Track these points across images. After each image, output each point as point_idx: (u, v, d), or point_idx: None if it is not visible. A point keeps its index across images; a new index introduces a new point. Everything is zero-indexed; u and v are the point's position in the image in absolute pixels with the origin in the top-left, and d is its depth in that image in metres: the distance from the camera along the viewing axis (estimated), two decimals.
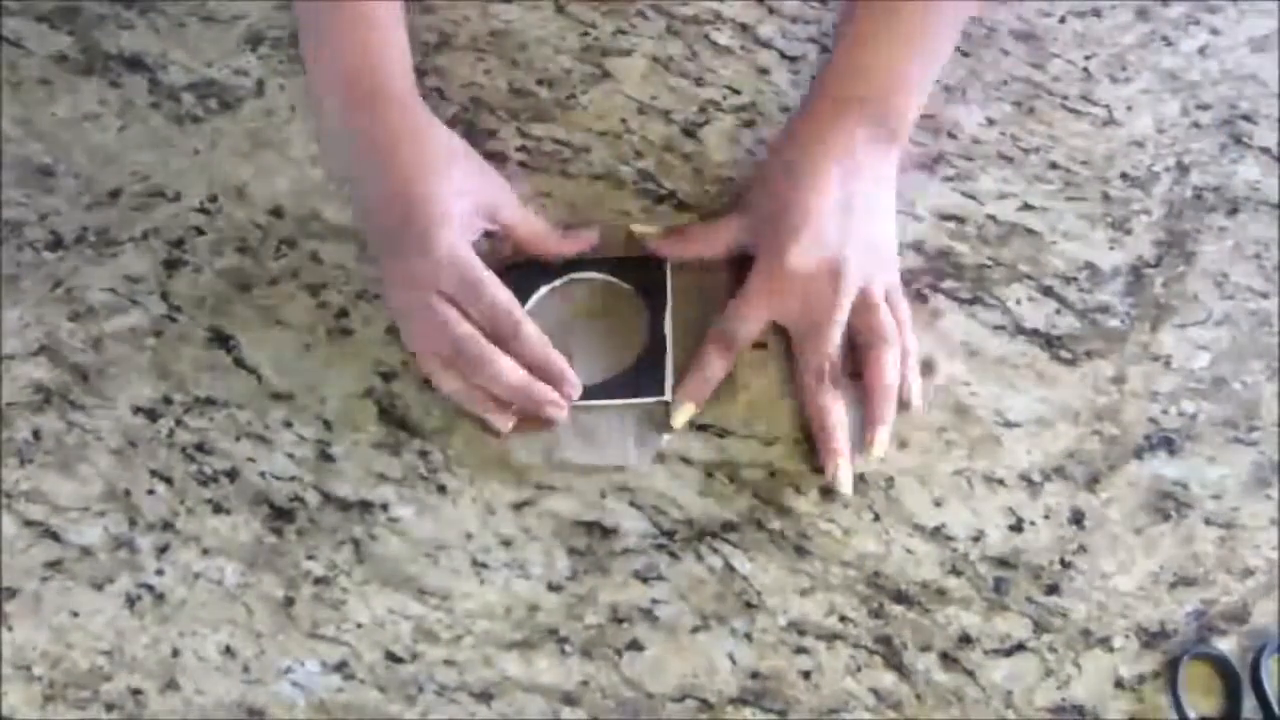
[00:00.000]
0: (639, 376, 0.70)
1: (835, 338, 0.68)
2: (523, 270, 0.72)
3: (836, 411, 0.67)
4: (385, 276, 0.69)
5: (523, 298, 0.70)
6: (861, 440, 0.67)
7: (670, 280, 0.72)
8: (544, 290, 0.72)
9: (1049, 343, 0.72)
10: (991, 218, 0.75)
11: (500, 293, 0.66)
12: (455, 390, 0.67)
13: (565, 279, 0.73)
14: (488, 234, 0.71)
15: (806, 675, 0.63)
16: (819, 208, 0.68)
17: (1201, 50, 0.82)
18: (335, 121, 0.71)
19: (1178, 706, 0.62)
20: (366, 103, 0.70)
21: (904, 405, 0.69)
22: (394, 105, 0.70)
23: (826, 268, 0.68)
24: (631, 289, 0.73)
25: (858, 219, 0.69)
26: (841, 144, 0.70)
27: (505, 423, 0.68)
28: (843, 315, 0.68)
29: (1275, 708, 0.61)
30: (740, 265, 0.71)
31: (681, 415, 0.68)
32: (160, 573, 0.66)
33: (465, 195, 0.68)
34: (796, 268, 0.68)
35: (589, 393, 0.68)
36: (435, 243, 0.66)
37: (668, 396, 0.69)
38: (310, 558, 0.66)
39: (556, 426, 0.68)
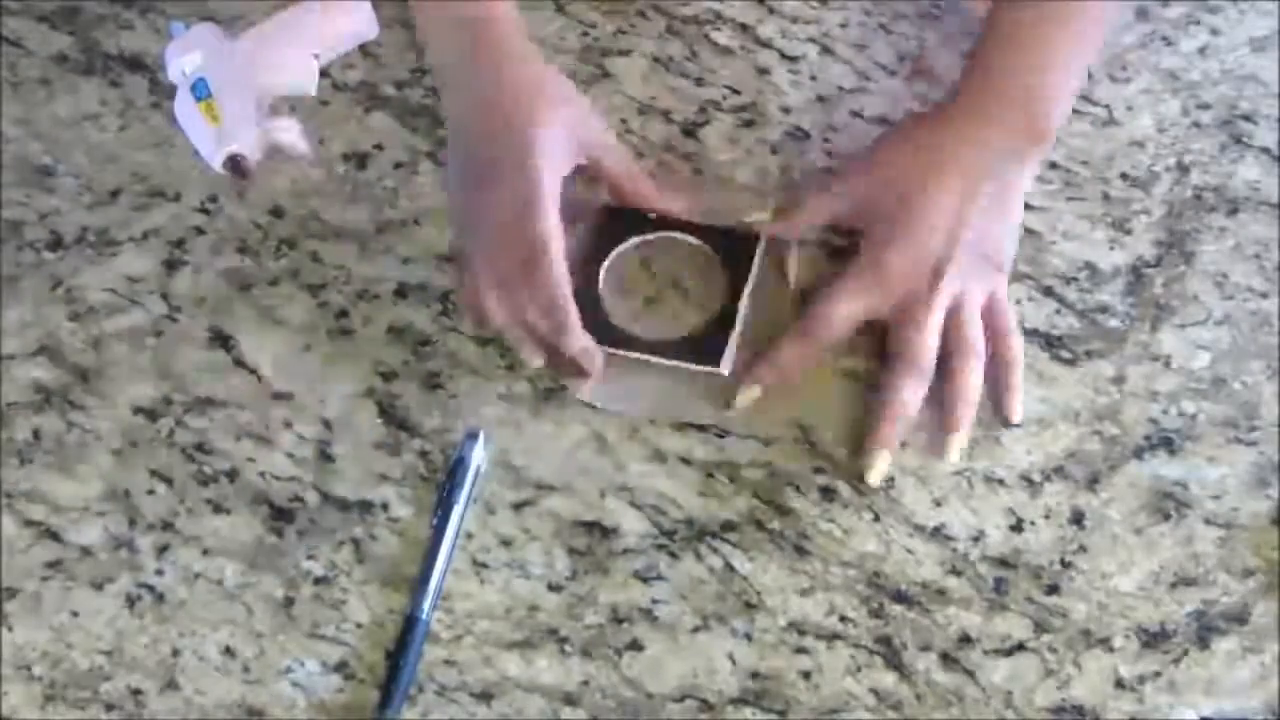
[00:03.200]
0: (702, 344, 0.70)
1: (927, 338, 0.67)
2: (616, 216, 0.73)
3: (905, 403, 0.67)
4: (465, 207, 0.70)
5: (612, 244, 0.72)
6: (929, 441, 0.68)
7: (758, 258, 0.72)
8: (634, 241, 0.73)
9: (1049, 343, 0.72)
10: None
11: (561, 286, 0.66)
12: (502, 321, 0.68)
13: (657, 235, 0.73)
14: (584, 177, 0.71)
15: (806, 675, 0.63)
16: (934, 207, 0.68)
17: (1201, 50, 0.82)
18: (443, 46, 0.72)
19: None
20: (466, 29, 0.70)
21: (1005, 420, 0.69)
22: (498, 31, 0.70)
23: (926, 270, 0.67)
24: (719, 258, 0.73)
25: (972, 223, 0.68)
26: (977, 143, 0.69)
27: (537, 358, 0.68)
28: (934, 319, 0.67)
29: None
30: (835, 255, 0.72)
31: (745, 397, 0.68)
32: (160, 573, 0.66)
33: (565, 127, 0.69)
34: (895, 268, 0.67)
35: (649, 347, 0.69)
36: (520, 189, 0.66)
37: (724, 370, 0.69)
38: (310, 558, 0.66)
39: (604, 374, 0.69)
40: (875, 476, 0.67)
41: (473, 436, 0.67)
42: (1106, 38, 0.73)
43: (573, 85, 0.72)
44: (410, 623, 0.63)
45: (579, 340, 0.67)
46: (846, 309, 0.68)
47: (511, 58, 0.70)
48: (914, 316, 0.67)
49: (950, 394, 0.68)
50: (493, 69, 0.70)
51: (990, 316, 0.69)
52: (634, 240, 0.73)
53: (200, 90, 0.75)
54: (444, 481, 0.66)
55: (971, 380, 0.68)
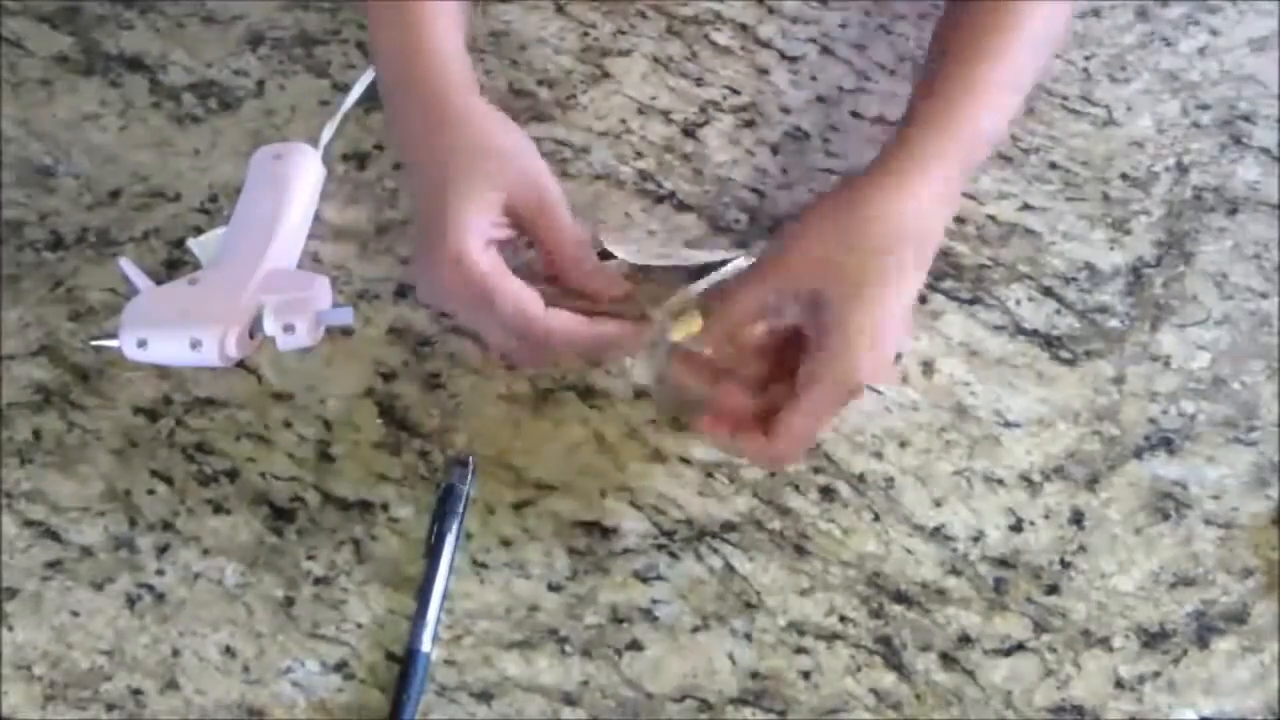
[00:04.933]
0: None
1: (817, 426, 0.61)
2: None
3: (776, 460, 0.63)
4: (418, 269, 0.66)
5: None
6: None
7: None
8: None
9: (1049, 343, 0.72)
10: (991, 218, 0.75)
11: (511, 305, 0.61)
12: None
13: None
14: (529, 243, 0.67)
15: (806, 675, 0.63)
16: (893, 314, 0.61)
17: (1201, 50, 0.82)
18: (387, 111, 0.68)
19: None
20: (399, 89, 0.67)
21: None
22: (420, 92, 0.66)
23: (885, 369, 0.61)
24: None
25: (906, 308, 0.62)
26: (919, 213, 0.62)
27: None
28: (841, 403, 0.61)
29: None
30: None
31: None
32: (160, 573, 0.66)
33: (489, 194, 0.63)
34: (864, 379, 0.60)
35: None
36: (443, 252, 0.61)
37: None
38: (310, 558, 0.66)
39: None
40: (699, 430, 0.62)
41: (462, 464, 0.67)
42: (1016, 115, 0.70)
43: (506, 135, 0.66)
44: (410, 656, 0.63)
45: (562, 335, 0.62)
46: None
47: (434, 100, 0.65)
48: (845, 400, 0.61)
49: (774, 427, 0.61)
50: (417, 113, 0.66)
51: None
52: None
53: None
54: (435, 510, 0.66)
55: (799, 437, 0.61)
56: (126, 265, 0.70)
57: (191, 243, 0.73)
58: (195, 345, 0.66)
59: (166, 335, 0.66)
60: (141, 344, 0.66)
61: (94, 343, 0.70)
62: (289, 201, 0.72)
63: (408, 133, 0.66)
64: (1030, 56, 0.67)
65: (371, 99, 0.80)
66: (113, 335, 0.68)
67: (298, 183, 0.73)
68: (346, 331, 0.72)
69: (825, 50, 0.81)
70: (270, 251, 0.69)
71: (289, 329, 0.67)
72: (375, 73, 0.72)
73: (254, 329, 0.67)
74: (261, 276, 0.68)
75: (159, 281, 0.69)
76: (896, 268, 0.60)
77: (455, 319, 0.70)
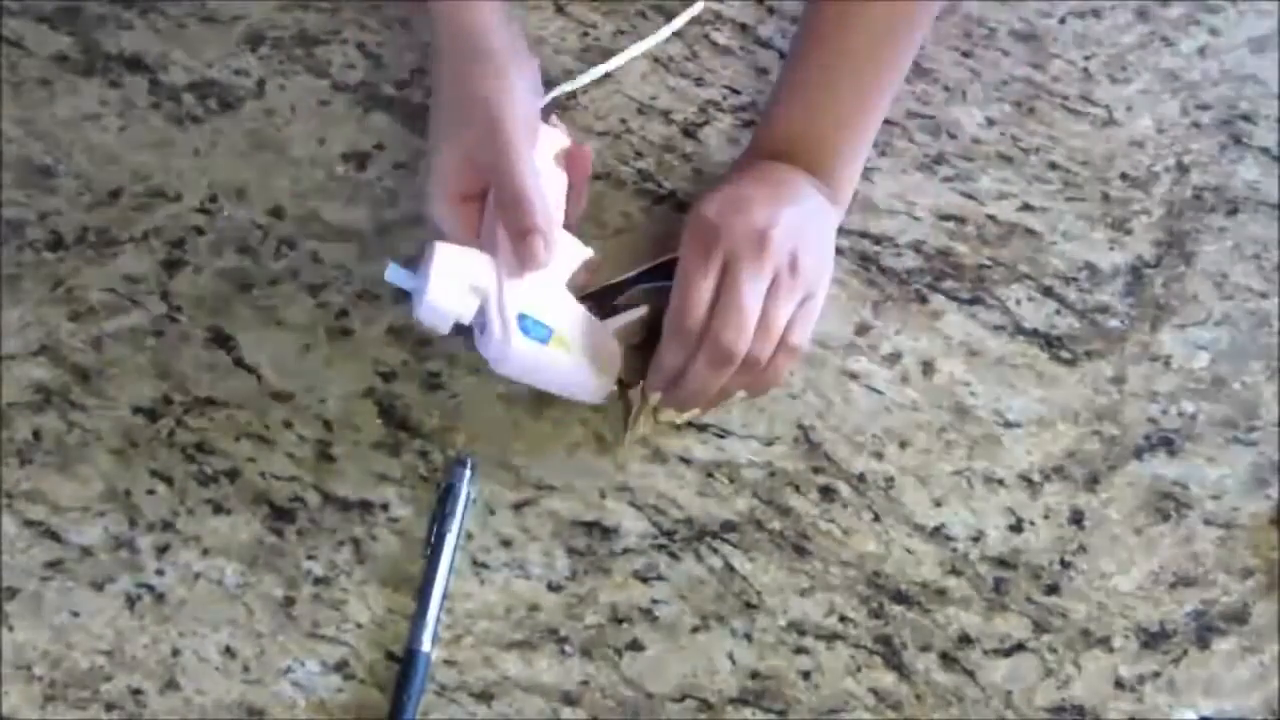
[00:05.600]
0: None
1: (747, 310, 0.62)
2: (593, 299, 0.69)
3: (703, 391, 0.64)
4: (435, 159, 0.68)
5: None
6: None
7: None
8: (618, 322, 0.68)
9: (1049, 343, 0.72)
10: (991, 218, 0.75)
11: (521, 163, 0.64)
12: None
13: (632, 305, 0.69)
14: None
15: (806, 675, 0.63)
16: (751, 190, 0.65)
17: (1201, 50, 0.82)
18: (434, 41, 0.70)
19: None
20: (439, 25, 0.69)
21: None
22: (445, 31, 0.69)
23: (753, 230, 0.63)
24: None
25: (788, 225, 0.64)
26: (786, 180, 0.67)
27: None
28: (753, 287, 0.62)
29: None
30: None
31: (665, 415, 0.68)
32: (160, 573, 0.66)
33: (463, 151, 0.66)
34: (712, 218, 0.63)
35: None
36: (426, 197, 0.67)
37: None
38: (310, 558, 0.66)
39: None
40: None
41: (461, 464, 0.67)
42: (900, 83, 0.72)
43: (501, 97, 0.66)
44: (410, 656, 0.63)
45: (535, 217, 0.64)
46: (695, 290, 0.63)
47: (461, 54, 0.68)
48: (738, 277, 0.62)
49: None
50: (450, 59, 0.68)
51: (785, 329, 0.64)
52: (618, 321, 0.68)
53: (534, 331, 0.64)
54: (435, 510, 0.66)
55: (710, 381, 0.63)
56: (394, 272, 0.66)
57: (391, 274, 0.66)
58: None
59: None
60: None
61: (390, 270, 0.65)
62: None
63: (438, 57, 0.69)
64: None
65: (372, 97, 0.80)
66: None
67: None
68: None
69: None
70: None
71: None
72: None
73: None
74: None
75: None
76: (753, 197, 0.65)
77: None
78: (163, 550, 0.67)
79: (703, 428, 0.69)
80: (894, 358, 0.71)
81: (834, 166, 0.69)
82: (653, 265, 0.70)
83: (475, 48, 0.68)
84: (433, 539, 0.65)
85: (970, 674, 0.63)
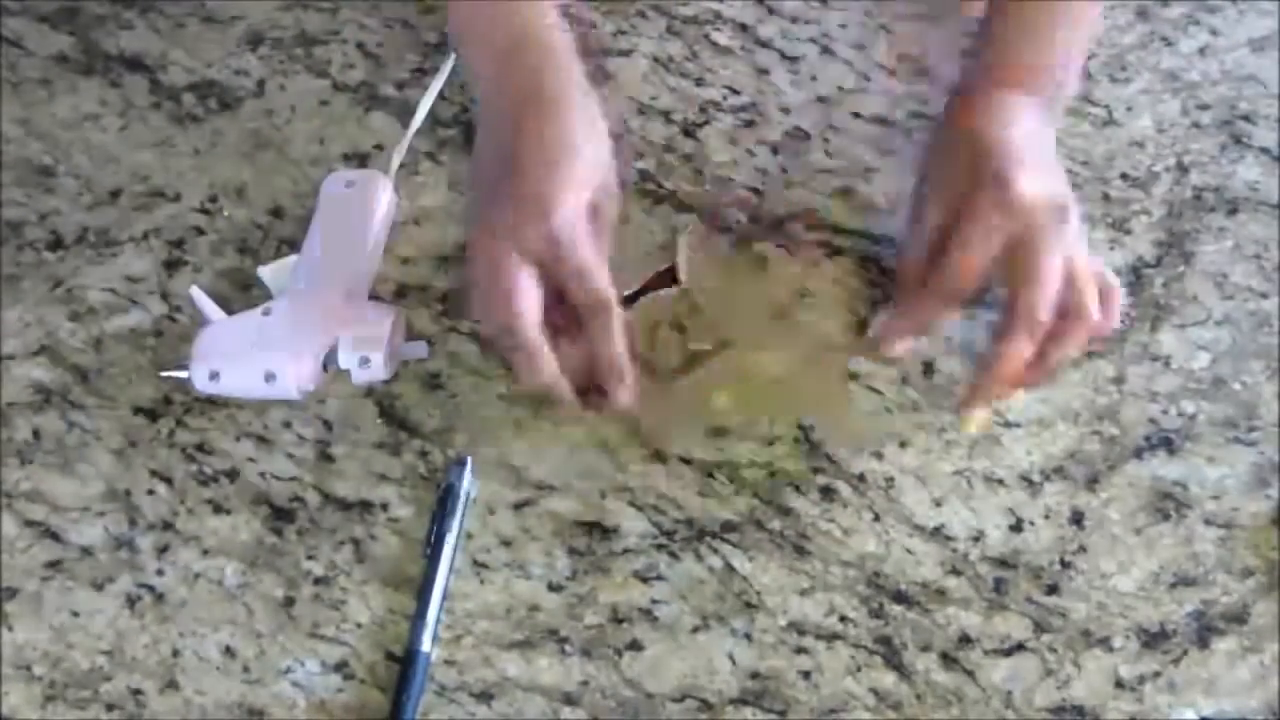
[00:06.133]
0: None
1: (1056, 280, 0.62)
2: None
3: (1018, 369, 0.64)
4: (479, 225, 0.64)
5: None
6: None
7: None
8: None
9: None
10: None
11: (600, 274, 0.62)
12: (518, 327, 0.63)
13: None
14: None
15: (806, 675, 0.63)
16: (1034, 145, 0.65)
17: (1201, 50, 0.82)
18: (487, 70, 0.67)
19: None
20: (508, 51, 0.66)
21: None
22: (538, 52, 0.66)
23: (1054, 201, 0.63)
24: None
25: (1059, 174, 0.66)
26: (1020, 114, 0.66)
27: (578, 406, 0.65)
28: (1058, 265, 0.62)
29: None
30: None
31: (889, 346, 0.69)
32: (160, 573, 0.66)
33: (586, 182, 0.64)
34: (1027, 193, 0.62)
35: None
36: (554, 204, 0.62)
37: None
38: (310, 558, 0.66)
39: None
40: (970, 426, 0.68)
41: (460, 464, 0.67)
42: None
43: (601, 124, 0.66)
44: (410, 656, 0.63)
45: (617, 333, 0.63)
46: (978, 255, 0.63)
47: (548, 84, 0.65)
48: (1043, 260, 0.62)
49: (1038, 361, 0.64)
50: (528, 94, 0.65)
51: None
52: None
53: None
54: (435, 510, 0.66)
55: (1067, 350, 0.64)
56: (198, 295, 0.69)
57: (262, 270, 0.72)
58: (269, 378, 0.66)
59: (240, 367, 0.66)
60: (214, 376, 0.66)
61: (163, 374, 0.69)
62: (364, 230, 0.71)
63: (513, 83, 0.65)
64: None
65: (372, 97, 0.80)
66: (182, 366, 0.68)
67: (372, 211, 0.72)
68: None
69: (825, 50, 0.81)
70: (345, 282, 0.69)
71: (364, 362, 0.67)
72: (453, 19, 0.69)
73: (328, 361, 0.67)
74: (336, 307, 0.68)
75: (230, 311, 0.69)
76: (1014, 132, 0.65)
77: (477, 286, 0.65)
78: (163, 550, 0.67)
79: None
80: (894, 358, 0.71)
81: (1058, 73, 0.69)
82: (654, 275, 0.71)
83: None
84: (433, 539, 0.65)
85: (970, 674, 0.63)
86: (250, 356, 0.66)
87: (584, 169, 0.64)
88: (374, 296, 0.72)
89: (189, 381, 0.67)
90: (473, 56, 0.69)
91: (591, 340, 0.63)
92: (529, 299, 0.62)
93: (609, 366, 0.64)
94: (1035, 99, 0.67)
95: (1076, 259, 0.63)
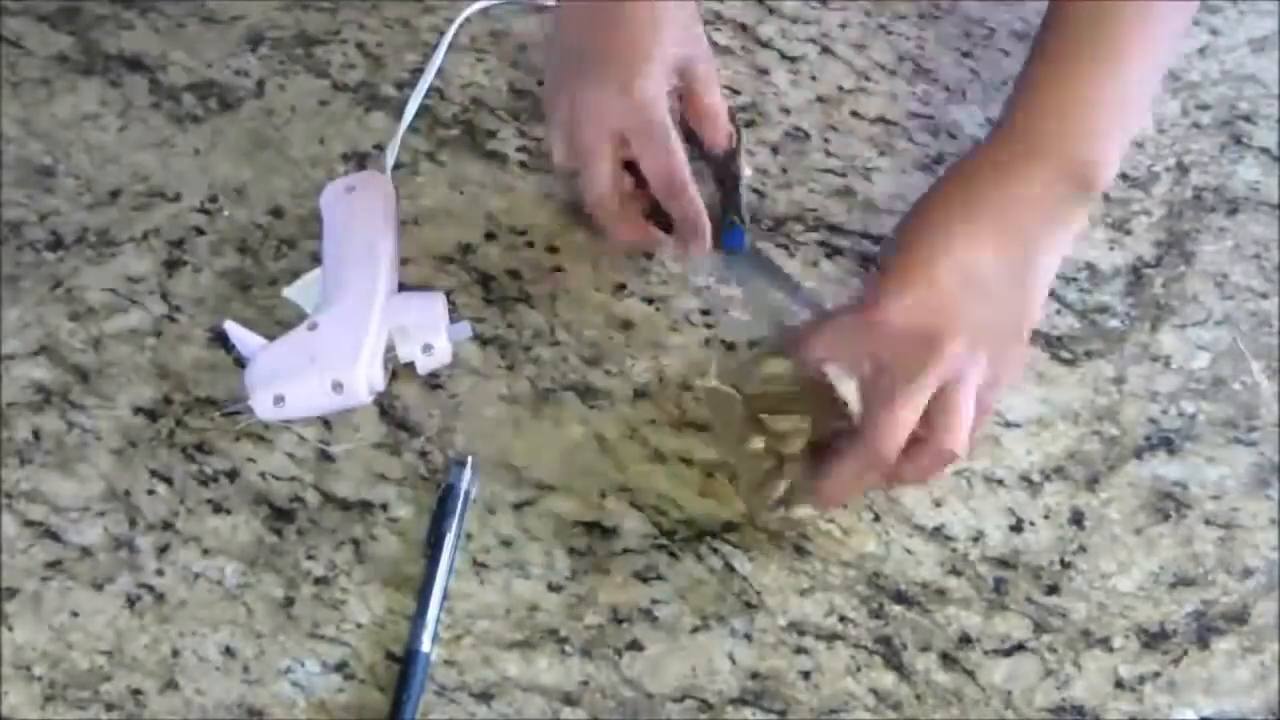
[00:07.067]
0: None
1: (904, 419, 0.56)
2: None
3: (842, 488, 0.61)
4: (566, 107, 0.67)
5: None
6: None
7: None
8: None
9: (1049, 343, 0.72)
10: None
11: (678, 149, 0.66)
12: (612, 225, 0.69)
13: None
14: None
15: (806, 675, 0.63)
16: (953, 262, 0.58)
17: (1201, 50, 0.82)
18: None
19: None
20: None
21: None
22: None
23: (926, 333, 0.57)
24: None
25: (998, 291, 0.58)
26: (1017, 194, 0.59)
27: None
28: (920, 397, 0.56)
29: None
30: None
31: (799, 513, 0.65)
32: (160, 573, 0.66)
33: (671, 47, 0.68)
34: (889, 318, 0.57)
35: None
36: (637, 82, 0.66)
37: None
38: (310, 558, 0.66)
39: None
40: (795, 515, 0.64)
41: (460, 464, 0.67)
42: (1174, 54, 0.64)
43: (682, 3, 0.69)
44: (410, 656, 0.63)
45: (696, 199, 0.67)
46: (827, 351, 0.61)
47: None
48: (896, 392, 0.56)
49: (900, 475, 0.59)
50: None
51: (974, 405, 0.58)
52: None
53: None
54: (435, 510, 0.66)
55: (922, 474, 0.59)
56: (233, 328, 0.68)
57: (287, 291, 0.72)
58: (338, 388, 0.66)
59: (305, 385, 0.66)
60: (278, 401, 0.66)
61: (223, 413, 0.69)
62: (378, 228, 0.72)
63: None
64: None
65: (372, 97, 0.80)
66: (237, 405, 0.68)
67: (379, 209, 0.73)
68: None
69: (825, 50, 0.81)
70: (377, 280, 0.69)
71: (428, 349, 0.68)
72: None
73: (389, 357, 0.68)
74: (382, 305, 0.68)
75: (271, 337, 0.68)
76: (958, 233, 0.60)
77: (574, 159, 0.69)
78: (163, 550, 0.67)
79: (703, 428, 0.69)
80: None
81: (1098, 141, 0.60)
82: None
83: None
84: (433, 539, 0.65)
85: (970, 674, 0.63)
86: (313, 372, 0.66)
87: (668, 39, 0.67)
88: (403, 287, 0.72)
89: (249, 414, 0.67)
90: None
91: (675, 209, 0.67)
92: (609, 171, 0.67)
93: (689, 225, 0.67)
94: (1057, 176, 0.59)
95: (958, 381, 0.57)
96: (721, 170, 0.72)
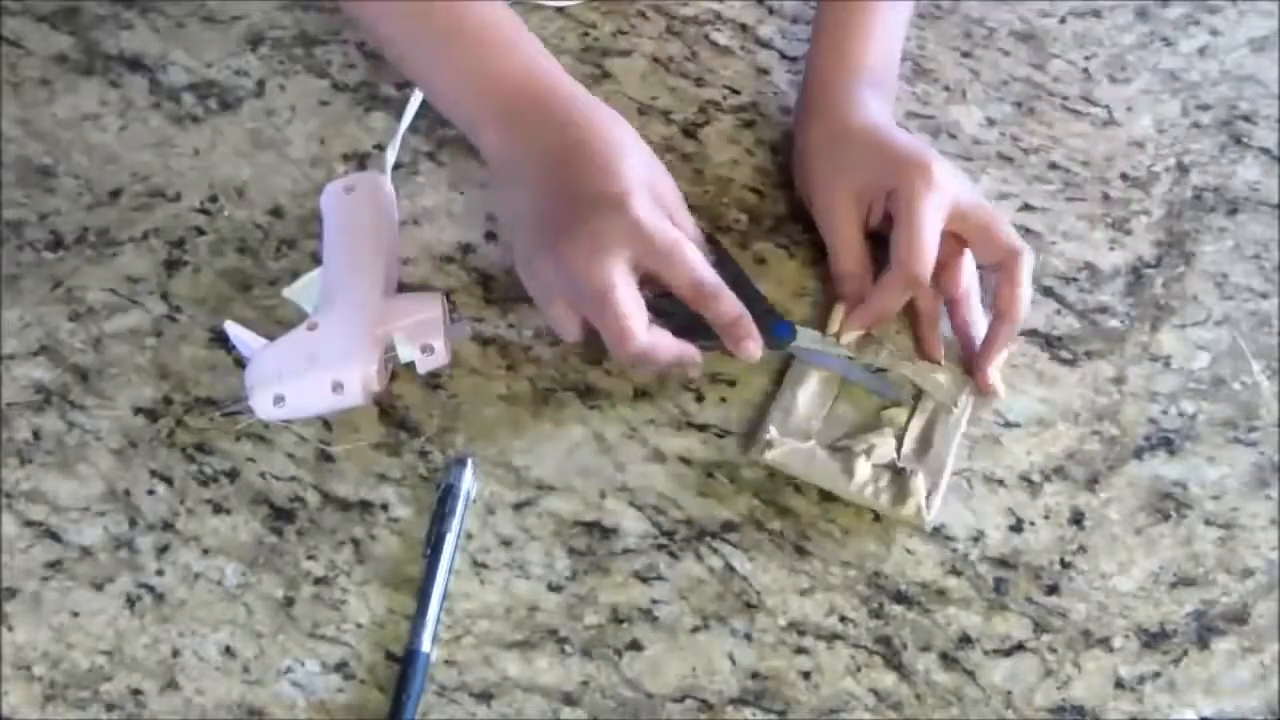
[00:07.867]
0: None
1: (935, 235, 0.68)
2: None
3: (889, 308, 0.69)
4: (551, 269, 0.65)
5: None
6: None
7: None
8: None
9: (1049, 343, 0.72)
10: None
11: (698, 254, 0.64)
12: (663, 355, 0.65)
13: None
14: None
15: (806, 675, 0.63)
16: (904, 136, 0.71)
17: (1201, 50, 0.82)
18: (504, 139, 0.67)
19: None
20: (541, 110, 0.67)
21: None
22: (571, 99, 0.67)
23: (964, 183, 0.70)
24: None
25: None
26: (874, 105, 0.72)
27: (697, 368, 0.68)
28: (931, 218, 0.68)
29: None
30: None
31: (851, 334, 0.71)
32: (160, 573, 0.66)
33: (641, 169, 0.66)
34: (950, 186, 0.68)
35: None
36: (630, 201, 0.63)
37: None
38: (310, 558, 0.66)
39: None
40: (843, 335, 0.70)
41: (460, 463, 0.67)
42: None
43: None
44: (410, 656, 0.63)
45: (732, 297, 0.65)
46: (931, 242, 0.68)
47: (592, 121, 0.67)
48: (991, 223, 0.69)
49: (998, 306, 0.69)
50: (578, 138, 0.66)
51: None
52: None
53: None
54: (435, 510, 0.66)
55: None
56: (233, 328, 0.68)
57: (287, 291, 0.72)
58: (337, 388, 0.66)
59: (304, 385, 0.66)
60: (278, 400, 0.66)
61: (224, 414, 0.69)
62: (378, 229, 0.72)
63: (559, 136, 0.66)
64: None
65: (372, 97, 0.80)
66: (237, 405, 0.68)
67: (379, 209, 0.73)
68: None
69: None
70: (377, 281, 0.69)
71: (427, 350, 0.68)
72: (461, 102, 0.69)
73: (388, 358, 0.68)
74: (380, 306, 0.68)
75: (271, 337, 0.68)
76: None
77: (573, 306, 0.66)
78: (163, 550, 0.67)
79: (703, 428, 0.69)
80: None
81: (887, 60, 0.76)
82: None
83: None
84: (433, 539, 0.65)
85: (970, 674, 0.63)
86: (312, 372, 0.66)
87: (638, 161, 0.66)
88: (402, 287, 0.72)
89: (249, 414, 0.67)
90: (475, 116, 0.68)
91: (714, 312, 0.65)
92: (635, 297, 0.64)
93: (735, 329, 0.66)
94: (873, 91, 0.73)
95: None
96: (721, 274, 0.66)
